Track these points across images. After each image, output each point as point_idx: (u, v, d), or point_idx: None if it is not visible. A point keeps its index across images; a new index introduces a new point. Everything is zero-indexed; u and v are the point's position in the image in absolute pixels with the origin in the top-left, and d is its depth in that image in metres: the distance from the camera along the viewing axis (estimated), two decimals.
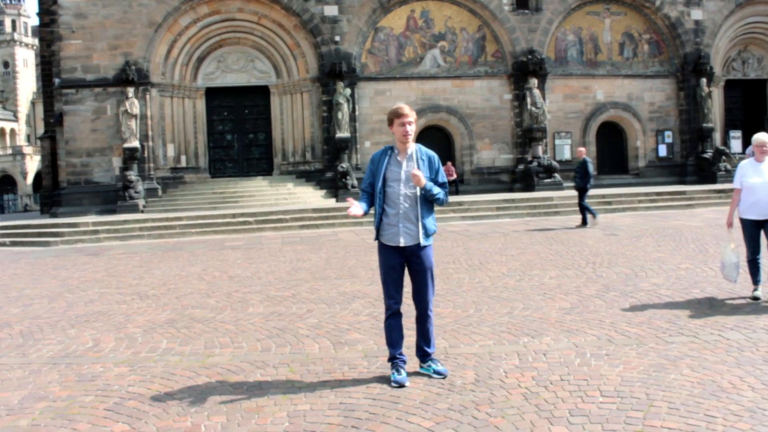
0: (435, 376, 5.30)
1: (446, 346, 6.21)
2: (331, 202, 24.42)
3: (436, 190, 5.30)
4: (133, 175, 24.59)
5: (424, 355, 5.45)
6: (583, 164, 17.32)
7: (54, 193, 28.39)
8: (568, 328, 6.64)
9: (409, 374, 5.29)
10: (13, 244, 19.88)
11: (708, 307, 7.29)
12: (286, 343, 6.62)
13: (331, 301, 8.59)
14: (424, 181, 5.20)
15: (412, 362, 5.53)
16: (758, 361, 5.36)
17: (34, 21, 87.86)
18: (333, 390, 5.11)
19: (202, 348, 6.57)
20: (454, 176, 27.32)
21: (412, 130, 5.29)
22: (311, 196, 25.30)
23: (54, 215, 25.23)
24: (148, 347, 6.70)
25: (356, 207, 5.31)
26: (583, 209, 17.15)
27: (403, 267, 5.41)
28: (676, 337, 6.14)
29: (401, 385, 5.11)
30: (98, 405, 5.04)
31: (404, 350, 5.45)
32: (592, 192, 24.78)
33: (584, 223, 17.01)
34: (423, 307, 5.43)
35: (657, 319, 6.85)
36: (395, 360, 5.32)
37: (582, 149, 18.35)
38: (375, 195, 5.35)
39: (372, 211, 5.51)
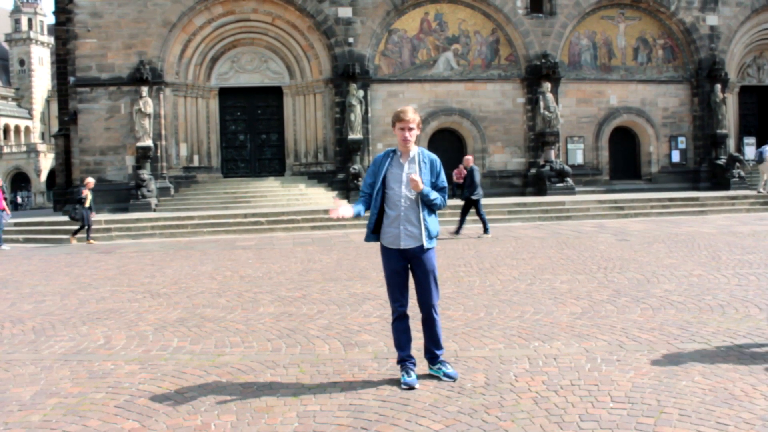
0: (445, 378, 5.29)
1: (456, 349, 6.20)
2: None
3: (434, 195, 5.27)
4: (145, 173, 24.70)
5: (433, 358, 5.43)
6: (470, 173, 16.94)
7: (67, 190, 28.58)
8: (579, 333, 6.61)
9: (418, 376, 5.28)
10: (27, 240, 20.01)
11: (720, 314, 7.23)
12: (297, 343, 6.62)
13: (342, 303, 8.60)
14: (422, 186, 5.19)
15: (422, 364, 5.52)
16: None
17: (50, 19, 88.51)
18: (343, 391, 5.11)
19: (213, 347, 6.59)
20: None
21: (411, 135, 5.26)
22: (323, 198, 25.34)
23: (66, 213, 25.36)
24: (159, 345, 6.72)
25: (345, 207, 5.31)
26: (467, 215, 16.99)
27: (407, 270, 5.38)
28: (688, 344, 6.10)
29: (411, 387, 5.10)
30: (109, 402, 5.06)
31: (413, 352, 5.44)
32: (603, 197, 24.86)
33: (485, 230, 16.68)
34: (428, 311, 5.40)
35: (668, 325, 6.81)
36: (404, 362, 5.31)
37: (469, 157, 17.90)
38: (373, 196, 5.32)
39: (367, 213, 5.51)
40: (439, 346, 5.44)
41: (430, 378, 5.33)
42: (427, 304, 5.39)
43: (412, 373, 5.24)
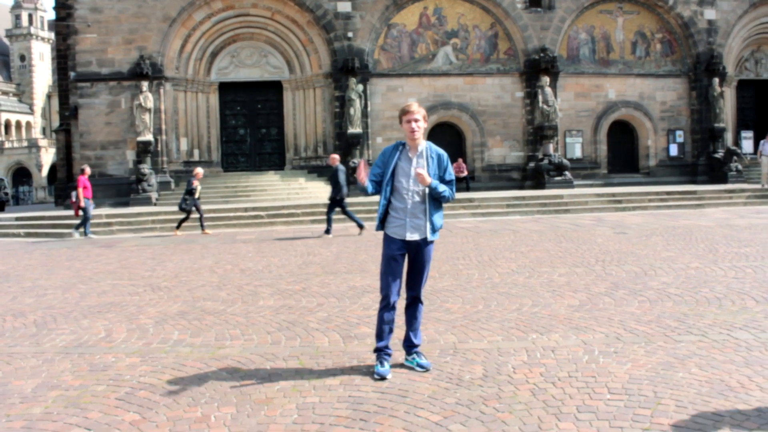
0: (418, 369, 5.39)
1: (455, 341, 6.24)
2: None
3: (442, 188, 5.35)
4: (146, 168, 24.76)
5: (410, 347, 5.55)
6: (335, 173, 16.64)
7: (68, 185, 28.59)
8: (576, 325, 6.65)
9: (392, 366, 5.39)
10: (28, 235, 20.05)
11: (717, 306, 7.28)
12: (296, 336, 6.66)
13: (341, 295, 8.64)
14: (429, 180, 5.27)
15: (398, 354, 5.64)
16: (767, 361, 5.36)
17: (51, 15, 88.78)
18: (342, 383, 5.16)
19: (213, 340, 6.62)
20: (465, 173, 27.36)
21: (418, 126, 5.35)
22: (323, 191, 25.32)
23: (68, 207, 25.37)
24: (159, 338, 6.76)
25: (364, 173, 5.39)
26: (350, 215, 16.65)
27: (404, 259, 5.50)
28: (685, 336, 6.14)
29: (383, 378, 5.19)
30: (110, 394, 5.09)
31: (390, 344, 5.52)
32: (602, 191, 24.88)
33: (360, 227, 16.46)
34: (416, 296, 5.55)
35: (666, 317, 6.86)
36: (381, 352, 5.41)
37: (335, 156, 17.46)
38: (382, 187, 5.43)
39: (377, 198, 5.63)
40: (417, 336, 5.56)
41: (416, 370, 5.41)
42: (416, 290, 5.54)
43: (386, 363, 5.34)
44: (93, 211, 19.40)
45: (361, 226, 16.50)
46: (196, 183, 18.49)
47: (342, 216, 20.95)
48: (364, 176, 5.40)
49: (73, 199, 18.82)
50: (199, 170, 19.32)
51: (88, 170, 19.76)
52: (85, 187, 18.70)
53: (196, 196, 18.45)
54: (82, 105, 25.80)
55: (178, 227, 18.60)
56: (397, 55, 27.67)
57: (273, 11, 27.00)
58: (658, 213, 20.47)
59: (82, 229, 18.79)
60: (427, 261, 5.51)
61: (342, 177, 16.61)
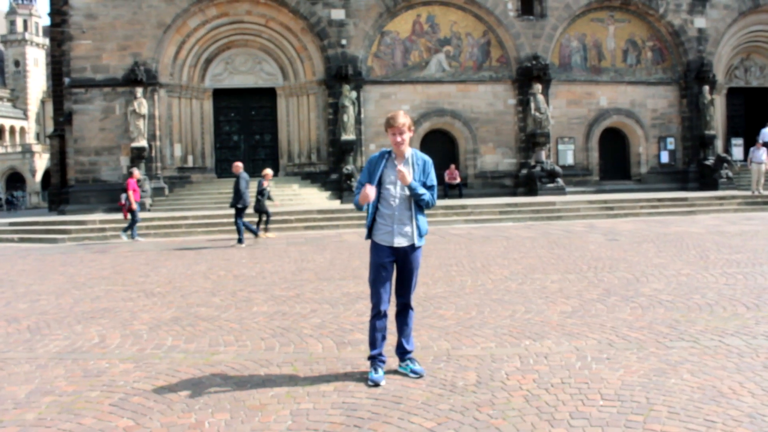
0: (411, 375, 5.42)
1: (448, 347, 6.26)
2: (336, 204, 24.49)
3: (422, 190, 5.41)
4: (140, 174, 24.70)
5: (403, 354, 5.58)
6: (236, 181, 16.70)
7: (62, 190, 28.57)
8: (569, 332, 6.68)
9: (386, 373, 5.42)
10: (22, 240, 19.97)
11: (708, 312, 7.32)
12: (290, 342, 6.67)
13: (335, 302, 8.65)
14: (409, 179, 5.33)
15: (392, 361, 5.65)
16: (758, 367, 5.40)
17: (45, 21, 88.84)
18: (336, 389, 5.17)
19: (207, 346, 6.63)
20: (458, 180, 27.41)
21: (403, 139, 5.42)
22: (316, 198, 25.38)
23: (62, 212, 25.36)
24: (153, 344, 6.76)
25: (371, 191, 5.35)
26: (239, 226, 16.57)
27: (393, 266, 5.55)
28: (677, 342, 6.17)
29: (377, 384, 5.22)
30: (103, 400, 5.10)
31: (384, 351, 5.55)
32: (593, 197, 24.96)
33: (239, 240, 16.51)
34: (406, 302, 5.59)
35: (658, 323, 6.89)
36: (375, 359, 5.44)
37: (238, 164, 17.47)
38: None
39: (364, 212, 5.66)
40: (410, 342, 5.60)
41: (405, 375, 5.44)
42: (406, 296, 5.59)
43: (380, 370, 5.38)
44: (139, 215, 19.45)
45: (240, 241, 16.45)
46: (266, 183, 18.27)
47: (336, 222, 20.95)
48: (371, 198, 5.37)
49: (123, 201, 18.85)
50: (269, 171, 18.98)
51: (136, 173, 19.87)
52: (134, 190, 18.75)
53: (266, 196, 18.27)
54: (76, 111, 25.75)
55: (266, 230, 18.42)
56: (390, 62, 27.73)
57: (267, 18, 27.04)
58: (650, 220, 20.55)
59: (129, 233, 18.87)
60: (416, 267, 5.56)
61: (243, 185, 16.60)
